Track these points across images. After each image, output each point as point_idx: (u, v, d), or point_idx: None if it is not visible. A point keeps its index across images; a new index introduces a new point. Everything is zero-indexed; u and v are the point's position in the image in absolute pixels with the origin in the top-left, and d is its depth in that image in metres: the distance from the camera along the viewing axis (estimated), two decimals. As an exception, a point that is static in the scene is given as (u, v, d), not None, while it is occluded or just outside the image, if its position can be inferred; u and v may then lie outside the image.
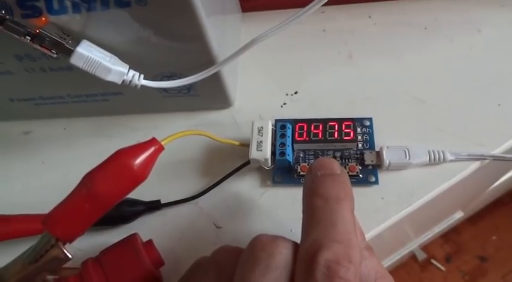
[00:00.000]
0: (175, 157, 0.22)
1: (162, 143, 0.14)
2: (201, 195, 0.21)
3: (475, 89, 0.22)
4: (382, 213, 0.19)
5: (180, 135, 0.15)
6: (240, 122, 0.23)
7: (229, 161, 0.22)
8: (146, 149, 0.14)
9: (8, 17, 0.16)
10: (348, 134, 0.20)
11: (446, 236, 0.93)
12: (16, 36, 0.16)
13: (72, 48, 0.17)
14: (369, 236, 0.19)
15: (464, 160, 0.20)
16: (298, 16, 0.17)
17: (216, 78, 0.21)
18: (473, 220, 0.92)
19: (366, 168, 0.20)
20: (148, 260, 0.17)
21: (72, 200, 0.13)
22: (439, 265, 0.90)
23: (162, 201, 0.21)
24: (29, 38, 0.16)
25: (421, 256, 0.86)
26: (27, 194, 0.23)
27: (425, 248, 0.87)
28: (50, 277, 0.14)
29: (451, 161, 0.20)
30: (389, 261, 0.66)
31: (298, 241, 0.14)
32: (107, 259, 0.17)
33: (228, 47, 0.21)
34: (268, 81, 0.24)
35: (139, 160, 0.13)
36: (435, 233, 0.69)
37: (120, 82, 0.18)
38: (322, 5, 0.18)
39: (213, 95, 0.23)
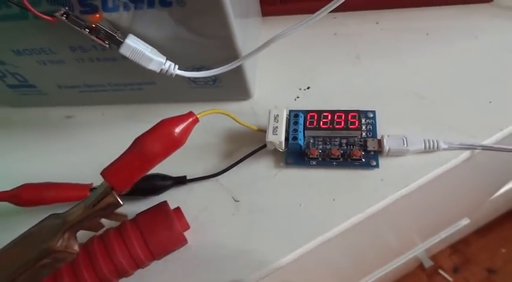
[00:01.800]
0: (200, 140, 0.25)
1: (198, 116, 0.17)
2: (221, 173, 0.24)
3: (470, 88, 0.25)
4: (381, 192, 0.22)
5: (212, 111, 0.18)
6: (257, 112, 0.26)
7: (246, 145, 0.24)
8: (185, 119, 0.17)
9: (71, 12, 0.19)
10: (353, 123, 0.23)
11: (455, 246, 0.94)
12: (78, 28, 0.19)
13: (122, 40, 0.20)
14: (369, 212, 0.22)
15: (457, 149, 0.23)
16: (312, 18, 0.20)
17: (239, 71, 0.24)
18: (482, 232, 0.93)
19: (368, 153, 0.23)
20: (177, 222, 0.20)
21: (125, 158, 0.16)
22: (446, 275, 0.90)
23: (188, 178, 0.24)
24: (88, 30, 0.20)
25: (428, 263, 0.87)
26: (69, 169, 0.26)
27: (433, 257, 0.88)
28: (103, 220, 0.17)
29: (444, 149, 0.22)
30: (395, 264, 0.67)
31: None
32: (142, 219, 0.20)
33: (250, 45, 0.24)
34: (284, 77, 0.27)
35: (179, 128, 0.16)
36: (442, 238, 0.70)
37: (158, 70, 0.21)
38: (334, 12, 0.21)
39: (235, 87, 0.26)
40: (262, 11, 0.30)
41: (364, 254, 0.50)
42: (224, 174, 0.24)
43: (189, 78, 0.25)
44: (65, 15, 0.19)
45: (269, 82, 0.27)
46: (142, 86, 0.26)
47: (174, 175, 0.24)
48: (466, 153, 0.23)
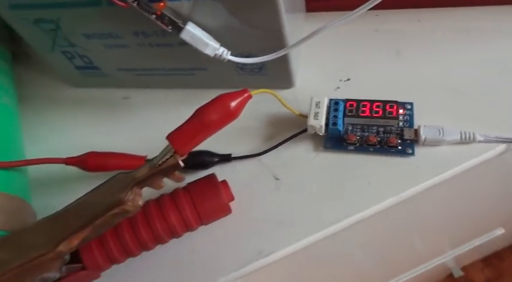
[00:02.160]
0: (245, 123, 0.27)
1: (251, 93, 0.19)
2: (263, 154, 0.26)
3: (507, 84, 0.26)
4: (416, 179, 0.23)
5: (263, 91, 0.20)
6: (298, 100, 0.28)
7: (286, 129, 0.26)
8: (240, 95, 0.19)
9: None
10: (390, 113, 0.24)
11: (488, 260, 0.91)
12: (146, 14, 0.22)
13: (183, 26, 0.22)
14: (403, 196, 0.23)
15: (493, 142, 0.23)
16: (354, 13, 0.22)
17: (284, 60, 0.26)
18: (517, 247, 0.90)
19: (405, 142, 0.24)
20: (224, 192, 0.22)
21: (188, 125, 0.18)
22: (478, 289, 0.88)
23: (232, 156, 0.26)
24: (154, 16, 0.22)
25: (458, 273, 0.85)
26: (125, 143, 0.28)
27: (464, 268, 0.86)
28: (164, 180, 0.19)
29: (480, 141, 0.23)
30: (422, 269, 0.67)
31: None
32: (193, 188, 0.22)
33: (294, 37, 0.26)
34: (325, 68, 0.29)
35: (234, 102, 0.18)
36: (473, 247, 0.69)
37: (213, 55, 0.23)
38: (377, 9, 0.22)
39: (279, 75, 0.27)
40: (307, 6, 0.32)
41: (390, 254, 0.51)
42: (266, 154, 0.26)
43: (237, 65, 0.27)
44: (136, 2, 0.22)
45: (311, 72, 0.29)
46: (194, 71, 0.29)
47: (220, 153, 0.26)
48: (501, 147, 0.23)
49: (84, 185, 0.24)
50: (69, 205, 0.20)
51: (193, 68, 0.28)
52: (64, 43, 0.28)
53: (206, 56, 0.24)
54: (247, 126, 0.27)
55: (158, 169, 0.18)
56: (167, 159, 0.18)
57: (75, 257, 0.21)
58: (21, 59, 0.35)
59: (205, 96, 0.30)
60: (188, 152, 0.18)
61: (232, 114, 0.18)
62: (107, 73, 0.31)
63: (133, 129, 0.30)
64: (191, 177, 0.25)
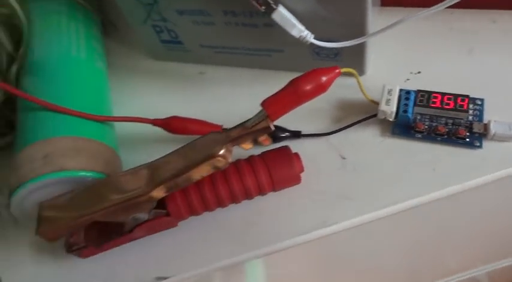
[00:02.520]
0: (316, 105, 0.28)
1: (341, 70, 0.21)
2: (332, 134, 0.27)
3: None
4: (482, 170, 0.24)
5: (349, 70, 0.22)
6: (369, 88, 0.29)
7: (355, 113, 0.28)
8: (331, 71, 0.20)
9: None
10: (461, 106, 0.25)
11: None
12: (244, -7, 0.24)
13: (275, 7, 0.24)
14: (468, 185, 0.24)
15: None
16: (431, 10, 0.23)
17: (361, 48, 0.27)
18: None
19: (473, 135, 0.25)
20: (296, 163, 0.24)
21: (281, 94, 0.20)
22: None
23: (302, 133, 0.28)
24: (252, -5, 0.24)
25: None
26: (200, 114, 0.31)
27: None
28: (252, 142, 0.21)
29: (551, 141, 0.24)
30: (452, 280, 0.66)
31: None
32: (269, 155, 0.24)
33: (372, 28, 0.27)
34: (397, 59, 0.30)
35: (325, 77, 0.20)
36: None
37: (298, 36, 0.25)
38: (452, 8, 0.23)
39: (353, 62, 0.29)
40: (384, 1, 0.33)
41: (421, 258, 0.51)
42: (334, 134, 0.27)
43: (313, 49, 0.29)
44: (237, -18, 0.24)
45: (382, 63, 0.30)
46: (271, 52, 0.31)
47: (291, 129, 0.28)
48: None
49: (164, 145, 0.26)
50: (163, 156, 0.23)
51: (271, 50, 0.30)
52: (157, 17, 0.31)
53: (291, 37, 0.26)
54: (318, 108, 0.29)
55: (250, 130, 0.20)
56: (260, 122, 0.20)
57: (161, 204, 0.24)
58: (106, 28, 0.38)
59: (277, 78, 0.32)
60: (279, 117, 0.20)
61: (323, 87, 0.20)
62: (189, 48, 0.33)
63: (207, 103, 0.32)
64: (263, 149, 0.27)
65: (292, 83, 0.21)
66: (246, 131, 0.21)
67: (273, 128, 0.21)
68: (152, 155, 0.24)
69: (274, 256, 0.26)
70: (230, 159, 0.21)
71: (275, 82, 0.31)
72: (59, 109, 0.25)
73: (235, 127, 0.21)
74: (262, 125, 0.20)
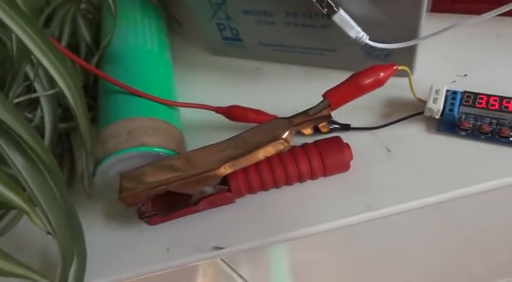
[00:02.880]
0: (365, 102, 0.31)
1: (398, 68, 0.23)
2: (379, 128, 0.30)
3: None
4: (523, 167, 0.26)
5: (404, 68, 0.24)
6: (416, 88, 0.31)
7: (402, 111, 0.30)
8: (389, 67, 0.23)
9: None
10: (506, 107, 0.27)
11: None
12: (309, -4, 0.27)
13: (337, 10, 0.27)
14: (508, 181, 0.25)
15: None
16: (482, 17, 0.25)
17: (412, 50, 0.30)
18: None
19: (516, 135, 0.27)
20: (347, 151, 0.27)
21: (343, 86, 0.23)
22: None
23: (351, 126, 0.30)
24: (315, -1, 0.27)
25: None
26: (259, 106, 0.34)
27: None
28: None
29: None
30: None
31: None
32: (322, 144, 0.27)
33: (423, 32, 0.29)
34: (444, 62, 0.32)
35: (383, 73, 0.23)
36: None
37: (354, 37, 0.28)
38: (501, 15, 0.25)
39: (402, 63, 0.31)
40: (433, 7, 0.35)
41: (452, 261, 0.51)
42: (381, 129, 0.30)
43: (365, 50, 0.31)
44: (304, -14, 0.27)
45: (430, 65, 0.32)
46: (324, 52, 0.33)
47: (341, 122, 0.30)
48: None
49: (222, 131, 0.30)
50: (231, 137, 0.26)
51: (325, 49, 0.33)
52: (222, 16, 0.34)
53: (347, 38, 0.28)
54: (366, 105, 0.31)
55: (312, 117, 0.23)
56: (321, 110, 0.23)
57: (224, 181, 0.27)
58: (170, 24, 0.42)
59: (328, 76, 0.34)
60: (339, 107, 0.23)
61: (380, 82, 0.23)
62: (248, 46, 0.36)
63: (261, 96, 0.35)
64: (315, 138, 0.30)
65: (353, 76, 0.23)
66: (308, 117, 0.23)
67: (333, 116, 0.23)
68: (211, 140, 0.27)
69: (302, 242, 0.28)
70: (292, 143, 0.24)
71: (325, 79, 0.33)
72: (139, 93, 0.29)
73: (298, 114, 0.24)
74: (323, 113, 0.23)
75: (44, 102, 0.32)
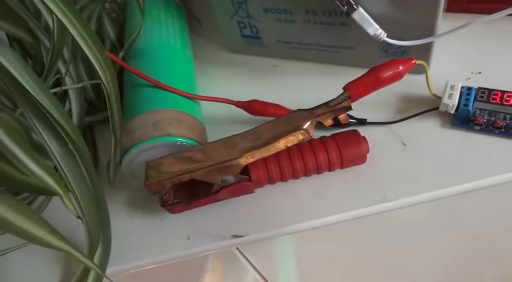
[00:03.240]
0: (382, 97, 0.32)
1: (416, 62, 0.24)
2: (395, 123, 0.31)
3: None
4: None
5: (422, 62, 0.25)
6: (432, 84, 0.32)
7: (417, 106, 0.31)
8: (408, 61, 0.24)
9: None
10: (520, 103, 0.28)
11: None
12: (330, -6, 0.28)
13: (356, 8, 0.28)
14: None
15: None
16: (496, 15, 0.26)
17: (428, 47, 0.30)
18: None
19: (530, 129, 0.27)
20: (364, 144, 0.28)
21: (363, 78, 0.24)
22: None
23: (367, 121, 0.31)
24: (336, -4, 0.28)
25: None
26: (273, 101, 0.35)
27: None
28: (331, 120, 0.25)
29: None
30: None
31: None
32: (340, 137, 0.28)
33: (439, 29, 0.30)
34: (458, 60, 0.33)
35: (402, 66, 0.24)
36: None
37: (373, 34, 0.29)
38: None
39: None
40: (448, 7, 0.36)
41: (459, 264, 0.51)
42: (397, 124, 0.31)
43: (382, 47, 0.32)
44: (324, -15, 0.28)
45: (444, 62, 0.33)
46: (341, 49, 0.34)
47: (358, 117, 0.31)
48: None
49: (241, 125, 0.31)
50: (252, 129, 0.27)
51: (342, 46, 0.34)
52: (243, 14, 0.35)
53: (365, 35, 0.29)
54: (382, 100, 0.32)
55: (333, 109, 0.24)
56: (342, 102, 0.24)
57: (244, 171, 0.28)
58: (190, 23, 0.43)
59: (344, 73, 0.35)
60: (358, 99, 0.24)
61: (399, 75, 0.24)
62: (266, 43, 0.37)
63: (278, 92, 0.36)
64: (332, 132, 0.31)
65: (373, 69, 0.24)
66: (329, 109, 0.24)
67: (353, 108, 0.24)
68: (230, 133, 0.28)
69: (313, 235, 0.29)
70: (312, 133, 0.25)
71: (341, 77, 0.34)
72: (164, 86, 0.30)
73: (319, 105, 0.25)
74: (344, 105, 0.24)
75: (72, 95, 0.33)
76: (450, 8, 0.36)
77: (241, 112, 0.33)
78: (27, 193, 0.31)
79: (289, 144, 0.25)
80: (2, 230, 0.22)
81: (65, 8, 0.20)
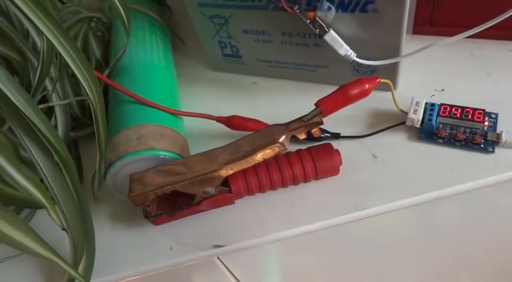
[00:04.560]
0: (352, 112, 0.34)
1: (381, 80, 0.26)
2: (366, 137, 0.33)
3: None
4: (494, 171, 0.29)
5: (386, 81, 0.27)
6: (399, 101, 0.34)
7: (386, 121, 0.33)
8: (373, 80, 0.26)
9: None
10: (478, 118, 0.30)
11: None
12: (303, 18, 0.30)
13: (328, 31, 0.30)
14: (481, 183, 0.28)
15: None
16: (455, 38, 0.29)
17: (395, 67, 0.33)
18: None
19: (487, 142, 0.30)
20: (337, 157, 0.30)
21: (333, 95, 0.26)
22: None
23: (340, 135, 0.33)
24: (309, 20, 0.30)
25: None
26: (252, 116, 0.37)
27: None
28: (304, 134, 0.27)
29: (554, 150, 0.28)
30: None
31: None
32: (314, 150, 0.30)
33: (404, 51, 0.33)
34: (423, 78, 0.35)
35: (368, 84, 0.26)
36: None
37: (344, 54, 0.31)
38: (475, 37, 0.29)
39: (386, 78, 0.34)
40: (413, 30, 0.39)
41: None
42: (367, 137, 0.33)
43: (353, 66, 0.34)
44: (298, 9, 0.30)
45: (411, 80, 0.35)
46: (316, 68, 0.37)
47: (332, 131, 0.33)
48: None
49: (222, 139, 0.32)
50: (231, 142, 0.28)
51: (316, 65, 0.36)
52: (224, 35, 0.37)
53: (337, 55, 0.31)
54: (354, 115, 0.34)
55: (306, 123, 0.26)
56: (314, 117, 0.26)
57: (225, 183, 0.29)
58: (173, 42, 0.45)
59: (319, 90, 0.37)
60: (329, 114, 0.26)
61: (366, 92, 0.26)
62: (246, 62, 0.40)
63: (258, 108, 0.38)
64: (308, 145, 0.33)
65: (342, 87, 0.26)
66: (302, 123, 0.26)
67: (324, 123, 0.26)
68: (212, 146, 0.30)
69: (293, 244, 0.31)
70: (288, 146, 0.26)
71: (317, 93, 0.36)
72: (148, 103, 0.31)
73: (294, 120, 0.27)
74: (316, 120, 0.26)
75: (58, 111, 0.34)
76: (416, 31, 0.39)
77: (222, 127, 0.35)
78: (13, 206, 0.31)
79: (267, 157, 0.27)
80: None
81: (53, 28, 0.22)
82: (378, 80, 0.26)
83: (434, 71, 0.36)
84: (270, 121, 0.34)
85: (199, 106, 0.39)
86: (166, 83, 0.36)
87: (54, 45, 0.22)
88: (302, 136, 0.27)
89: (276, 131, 0.27)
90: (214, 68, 0.43)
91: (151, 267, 0.31)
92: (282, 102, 0.38)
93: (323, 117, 0.26)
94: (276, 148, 0.26)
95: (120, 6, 0.30)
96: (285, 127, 0.27)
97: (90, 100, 0.24)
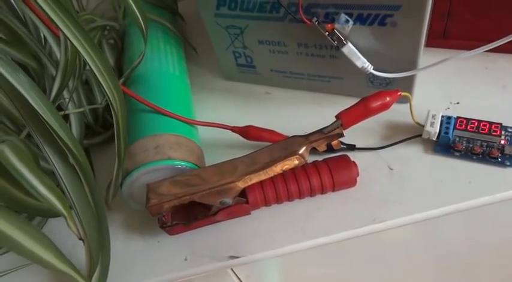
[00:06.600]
0: (369, 125, 0.34)
1: (402, 93, 0.26)
2: (382, 148, 0.33)
3: None
4: (511, 185, 0.29)
5: (407, 94, 0.27)
6: (415, 113, 0.34)
7: (402, 133, 0.33)
8: (394, 93, 0.26)
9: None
10: (495, 131, 0.30)
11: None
12: (322, 31, 0.30)
13: (346, 43, 0.30)
14: (499, 197, 0.28)
15: None
16: (472, 53, 0.29)
17: (411, 79, 0.33)
18: None
19: (504, 156, 0.30)
20: (354, 169, 0.30)
21: (354, 108, 0.26)
22: None
23: (356, 147, 0.33)
24: (327, 33, 0.30)
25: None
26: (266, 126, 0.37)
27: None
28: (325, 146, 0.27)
29: None
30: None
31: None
32: (331, 161, 0.30)
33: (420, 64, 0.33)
34: (439, 91, 0.35)
35: (389, 97, 0.26)
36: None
37: (360, 66, 0.31)
38: (488, 51, 0.29)
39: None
40: (427, 42, 0.39)
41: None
42: (383, 149, 0.33)
43: (369, 78, 0.35)
44: (316, 21, 0.30)
45: (426, 93, 0.35)
46: (331, 79, 0.37)
47: (347, 143, 0.33)
48: None
49: (236, 149, 0.32)
50: (249, 153, 0.28)
51: (332, 77, 0.36)
52: (239, 45, 0.37)
53: (353, 67, 0.32)
54: (370, 127, 0.34)
55: (326, 135, 0.26)
56: (334, 129, 0.26)
57: (242, 194, 0.29)
58: (186, 52, 0.45)
59: (333, 101, 0.38)
60: (350, 126, 0.26)
61: (386, 105, 0.26)
62: (260, 72, 0.40)
63: (271, 118, 0.38)
64: (324, 156, 0.33)
65: (363, 100, 0.26)
66: (323, 135, 0.26)
67: (345, 135, 0.26)
68: (226, 157, 0.30)
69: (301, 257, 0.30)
70: (307, 158, 0.26)
71: (331, 105, 0.36)
72: (165, 112, 0.31)
73: (314, 132, 0.27)
74: (336, 132, 0.26)
75: (73, 119, 0.34)
76: (429, 43, 0.39)
77: (235, 137, 0.35)
78: (26, 213, 0.31)
79: (285, 168, 0.27)
80: (8, 248, 0.22)
81: (78, 34, 0.22)
82: (399, 93, 0.26)
83: (449, 84, 0.36)
84: (283, 131, 0.34)
85: (211, 115, 0.39)
86: (181, 92, 0.36)
87: (80, 51, 0.22)
88: (322, 148, 0.27)
89: (295, 142, 0.27)
90: (227, 77, 0.43)
91: (165, 277, 0.31)
92: (295, 113, 0.38)
93: (343, 129, 0.26)
94: (296, 160, 0.26)
95: (139, 15, 0.30)
96: (305, 139, 0.27)
97: (114, 108, 0.24)
